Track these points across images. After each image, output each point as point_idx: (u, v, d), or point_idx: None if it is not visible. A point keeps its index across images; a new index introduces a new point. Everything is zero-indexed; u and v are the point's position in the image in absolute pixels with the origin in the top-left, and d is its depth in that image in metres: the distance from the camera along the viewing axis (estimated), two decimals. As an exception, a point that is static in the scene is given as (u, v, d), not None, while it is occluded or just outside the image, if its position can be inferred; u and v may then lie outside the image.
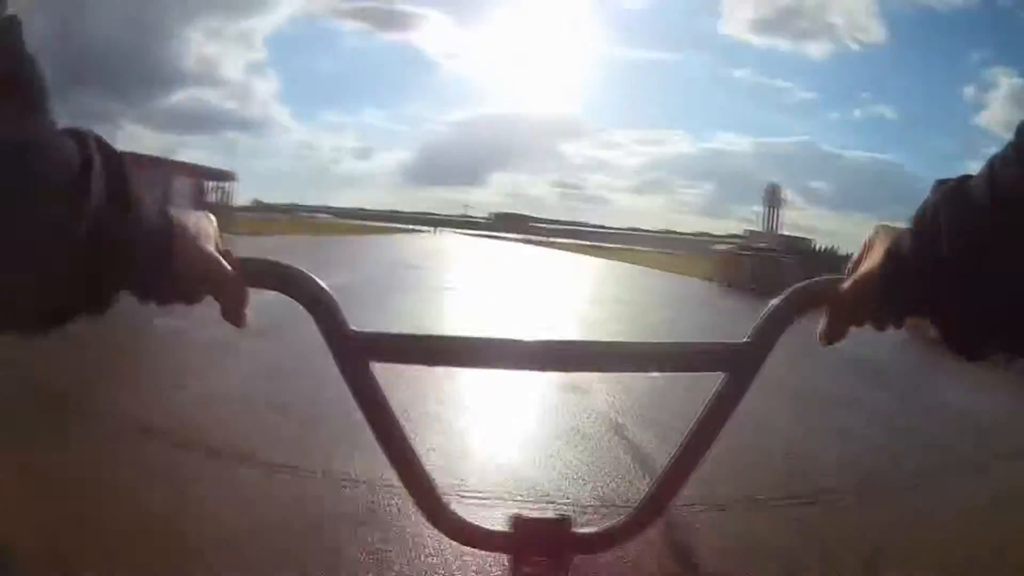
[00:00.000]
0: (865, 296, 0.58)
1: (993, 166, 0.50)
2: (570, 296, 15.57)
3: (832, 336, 0.61)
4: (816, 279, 0.62)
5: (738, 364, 0.62)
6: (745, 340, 0.62)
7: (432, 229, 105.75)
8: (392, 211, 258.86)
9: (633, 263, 37.22)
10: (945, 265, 0.50)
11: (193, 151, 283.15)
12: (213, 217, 0.61)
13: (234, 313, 0.60)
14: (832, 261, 18.83)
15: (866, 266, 0.58)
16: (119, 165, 0.50)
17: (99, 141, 0.49)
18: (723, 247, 24.28)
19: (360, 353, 0.61)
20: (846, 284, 0.59)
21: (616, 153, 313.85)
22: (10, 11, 0.44)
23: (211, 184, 36.67)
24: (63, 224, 0.45)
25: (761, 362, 0.62)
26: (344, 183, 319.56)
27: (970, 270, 0.49)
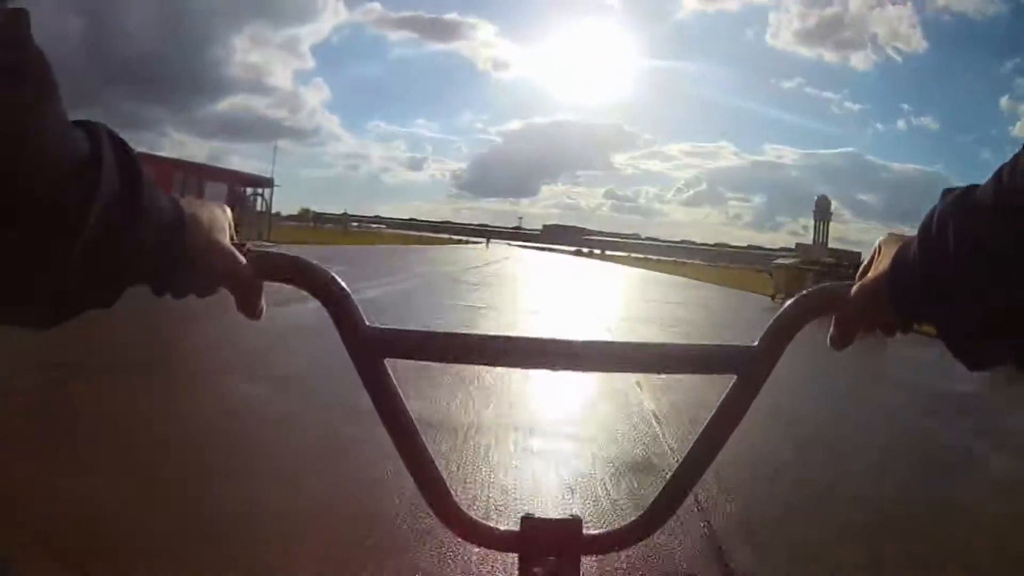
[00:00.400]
0: (873, 302, 0.58)
1: (1000, 175, 0.48)
2: (628, 318, 13.82)
3: (841, 341, 0.61)
4: (825, 285, 0.62)
5: (747, 367, 0.62)
6: (755, 344, 0.62)
7: (484, 241, 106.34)
8: (444, 221, 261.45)
9: (692, 277, 37.75)
10: (951, 273, 0.50)
11: (241, 159, 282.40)
12: (228, 210, 0.61)
13: (248, 306, 0.61)
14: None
15: (874, 273, 0.58)
16: (130, 158, 0.49)
17: (110, 134, 0.48)
18: (784, 261, 24.29)
19: (374, 349, 0.61)
20: (854, 290, 0.59)
21: (667, 165, 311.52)
22: (18, 6, 0.42)
23: (248, 190, 35.21)
24: (72, 215, 0.44)
25: (771, 366, 0.62)
26: (395, 193, 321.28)
27: (976, 278, 0.49)
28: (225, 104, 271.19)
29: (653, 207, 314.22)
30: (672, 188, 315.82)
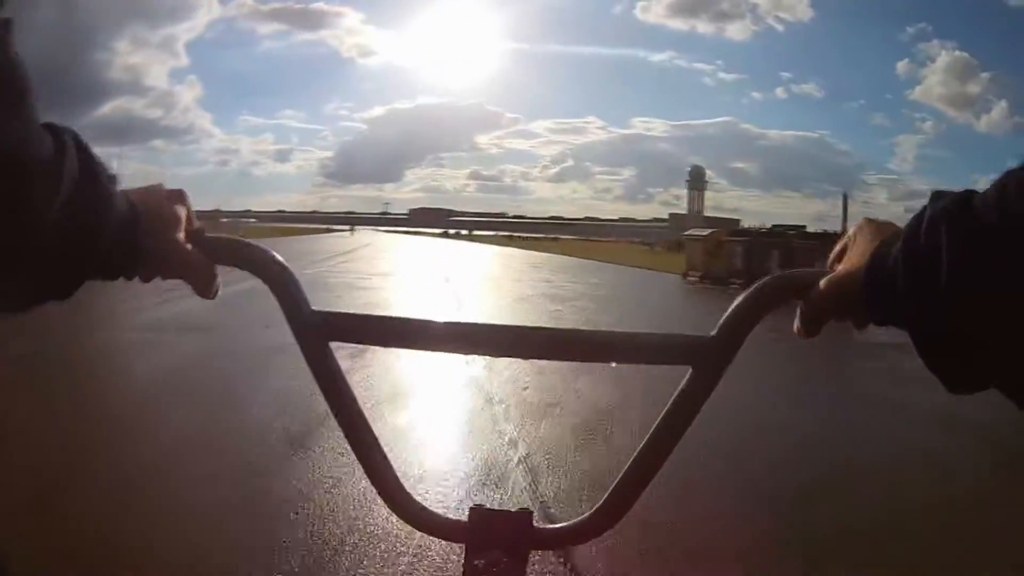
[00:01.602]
0: (843, 296, 0.55)
1: (1007, 185, 0.44)
2: (506, 307, 12.11)
3: (807, 332, 0.58)
4: (791, 271, 0.59)
5: (703, 359, 0.59)
6: (711, 334, 0.59)
7: (348, 229, 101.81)
8: (312, 211, 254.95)
9: (567, 254, 34.02)
10: (940, 284, 0.46)
11: (120, 162, 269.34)
12: (187, 195, 0.63)
13: (203, 289, 0.63)
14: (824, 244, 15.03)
15: (847, 265, 0.56)
16: (90, 159, 0.52)
17: (73, 135, 0.51)
18: (698, 232, 19.17)
19: (319, 332, 0.61)
20: (824, 281, 0.56)
21: (532, 143, 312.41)
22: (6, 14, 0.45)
23: None
24: (35, 212, 0.47)
25: (730, 358, 0.59)
26: (265, 186, 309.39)
27: (970, 295, 0.45)
28: (107, 108, 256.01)
29: (519, 185, 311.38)
30: (538, 165, 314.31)
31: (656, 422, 0.60)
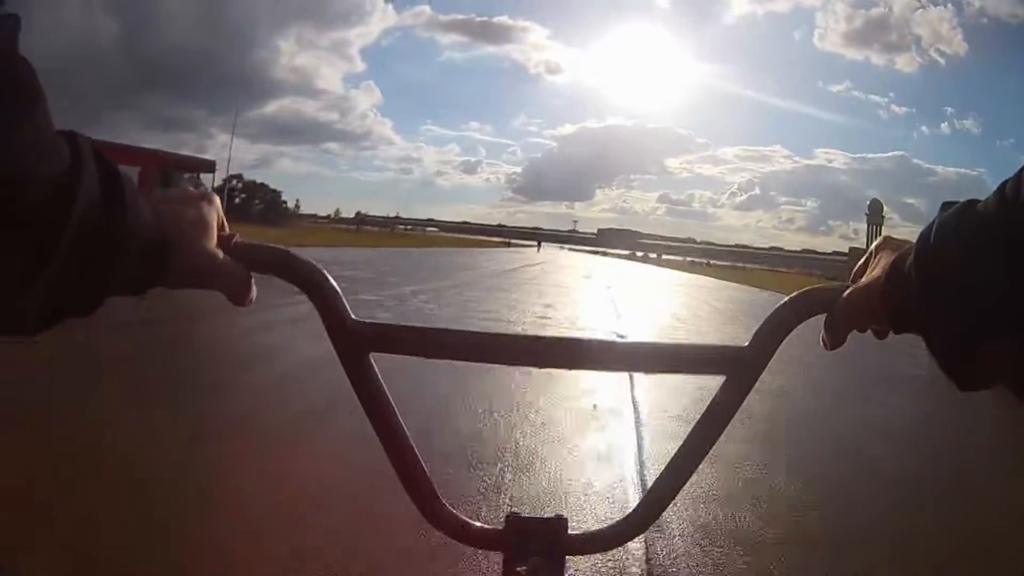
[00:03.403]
0: (865, 307, 0.57)
1: (1004, 191, 0.47)
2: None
3: (832, 343, 0.61)
4: (817, 287, 0.62)
5: (737, 368, 0.61)
6: (745, 345, 0.61)
7: (536, 244, 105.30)
8: (498, 225, 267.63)
9: (757, 286, 36.05)
10: (948, 287, 0.49)
11: (291, 161, 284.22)
12: (216, 199, 0.60)
13: (237, 298, 0.61)
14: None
15: (868, 277, 0.58)
16: (111, 170, 0.49)
17: (92, 144, 0.48)
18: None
19: (360, 343, 0.61)
20: (846, 293, 0.59)
21: (720, 169, 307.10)
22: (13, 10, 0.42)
23: (186, 175, 30.36)
24: (50, 226, 0.44)
25: (761, 368, 0.61)
26: (450, 196, 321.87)
27: (975, 295, 0.48)
28: (273, 107, 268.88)
29: (707, 211, 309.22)
30: (726, 192, 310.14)
31: (691, 428, 0.62)
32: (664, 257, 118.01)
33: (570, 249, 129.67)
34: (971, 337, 0.48)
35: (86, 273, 0.48)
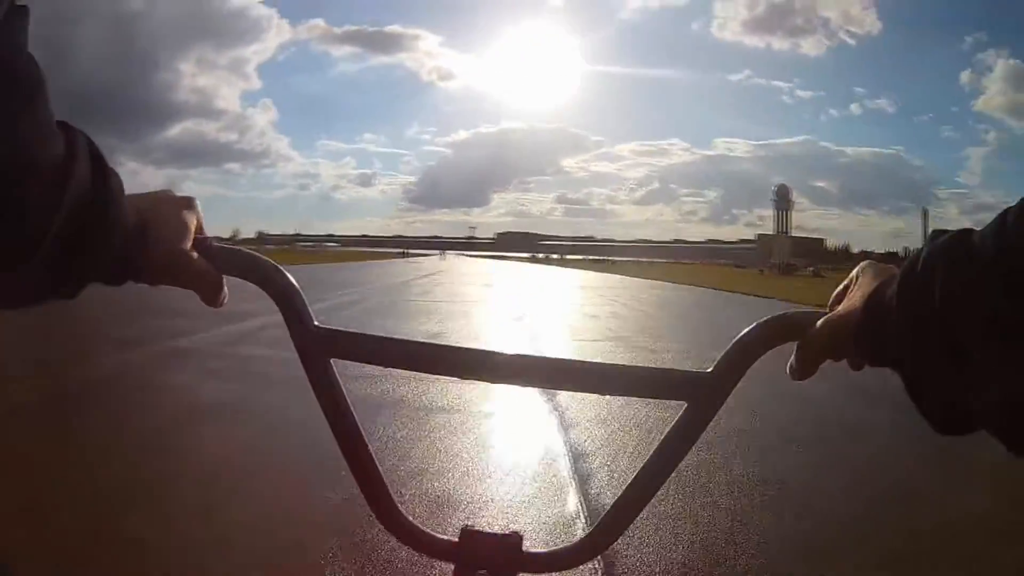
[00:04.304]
0: (840, 337, 0.54)
1: (1005, 223, 0.43)
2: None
3: (802, 372, 0.58)
4: (788, 312, 0.59)
5: (699, 394, 0.59)
6: (708, 371, 0.60)
7: (440, 253, 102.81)
8: (396, 236, 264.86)
9: (666, 280, 33.17)
10: (933, 327, 0.45)
11: (196, 184, 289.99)
12: (197, 202, 0.63)
13: (209, 298, 0.63)
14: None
15: (846, 306, 0.55)
16: (102, 163, 0.52)
17: (87, 138, 0.51)
18: None
19: (321, 348, 0.62)
20: (821, 322, 0.56)
21: (617, 165, 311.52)
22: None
23: None
24: (40, 215, 0.47)
25: (725, 394, 0.59)
26: (347, 210, 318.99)
27: (962, 335, 0.43)
28: (176, 130, 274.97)
29: (606, 208, 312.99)
30: (624, 188, 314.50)
31: (651, 453, 0.60)
32: (567, 257, 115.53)
33: (469, 256, 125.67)
34: (954, 381, 0.45)
35: (71, 258, 0.51)
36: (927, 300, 0.45)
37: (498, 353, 0.61)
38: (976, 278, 0.43)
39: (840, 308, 0.56)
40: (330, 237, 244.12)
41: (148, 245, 0.57)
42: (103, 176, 0.52)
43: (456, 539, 0.63)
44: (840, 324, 0.54)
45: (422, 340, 0.63)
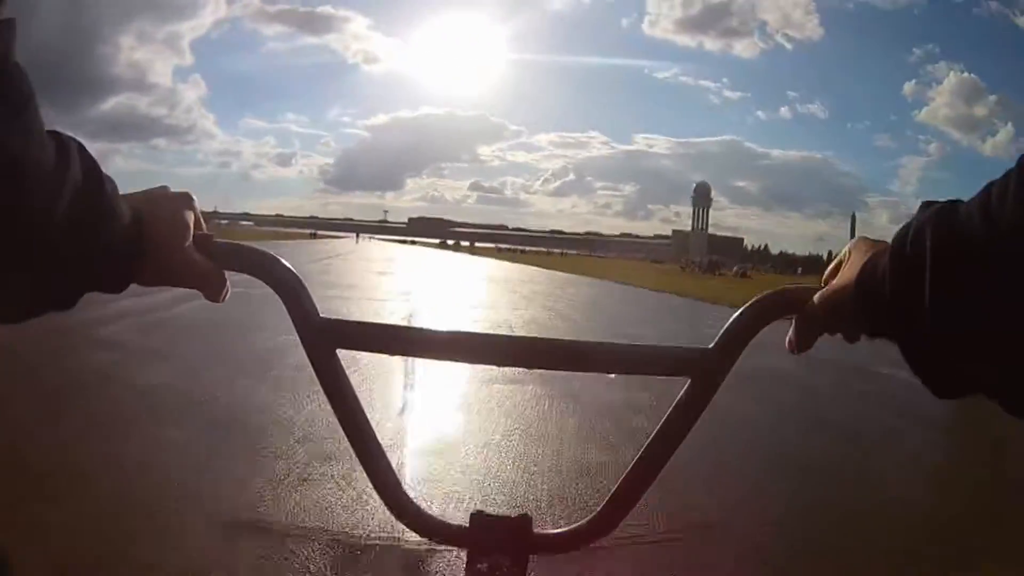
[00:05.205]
0: (836, 311, 0.56)
1: (990, 193, 0.45)
2: None
3: (800, 345, 0.60)
4: (786, 287, 0.61)
5: (701, 371, 0.61)
6: (709, 346, 0.61)
7: (356, 235, 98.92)
8: (311, 217, 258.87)
9: (582, 274, 29.84)
10: (923, 293, 0.47)
11: (123, 159, 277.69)
12: (194, 198, 0.61)
13: (212, 295, 0.62)
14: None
15: (841, 280, 0.56)
16: (95, 169, 0.51)
17: (79, 145, 0.51)
18: None
19: (326, 339, 0.62)
20: (818, 296, 0.58)
21: (534, 156, 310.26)
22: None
23: None
24: (36, 220, 0.46)
25: (726, 369, 0.61)
26: (265, 189, 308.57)
27: (951, 302, 0.46)
28: (110, 103, 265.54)
29: (520, 198, 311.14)
30: (539, 179, 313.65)
31: (655, 430, 0.61)
32: (477, 245, 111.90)
33: (379, 240, 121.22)
34: (947, 346, 0.47)
35: (67, 267, 0.50)
36: (918, 271, 0.47)
37: (505, 336, 0.62)
38: (964, 248, 0.45)
39: (835, 282, 0.57)
40: (245, 215, 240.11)
41: (147, 247, 0.56)
42: (97, 182, 0.51)
43: (466, 524, 0.63)
44: (836, 297, 0.56)
45: (428, 327, 0.64)
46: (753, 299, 0.61)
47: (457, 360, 0.63)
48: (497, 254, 72.89)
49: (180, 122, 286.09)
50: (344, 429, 0.62)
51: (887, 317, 0.51)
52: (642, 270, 40.83)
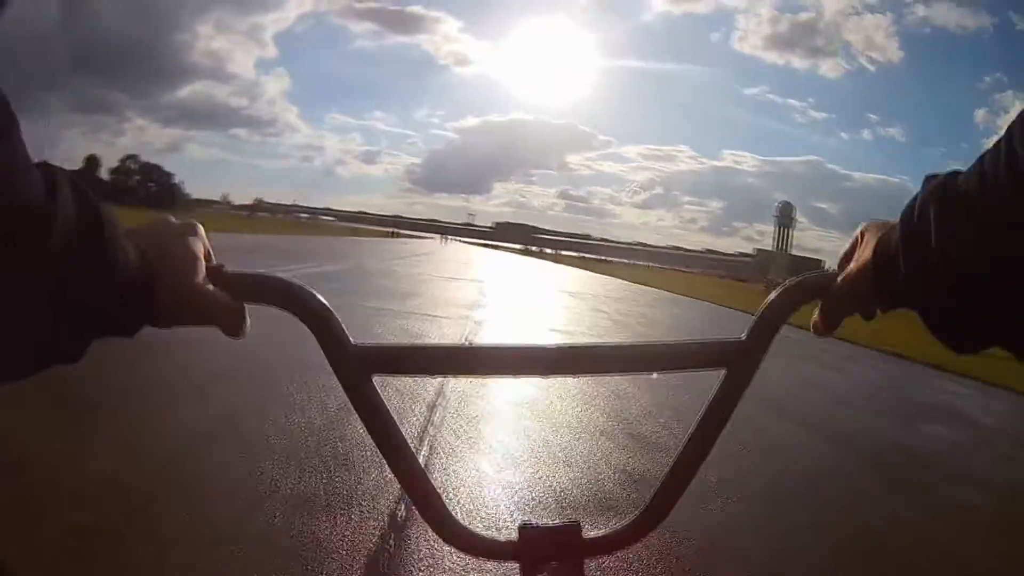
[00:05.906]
0: (858, 290, 0.58)
1: (983, 163, 0.48)
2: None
3: (826, 327, 0.62)
4: (808, 274, 0.63)
5: (736, 361, 0.62)
6: (742, 337, 0.62)
7: (442, 237, 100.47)
8: (395, 215, 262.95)
9: (671, 290, 29.71)
10: (933, 259, 0.50)
11: (199, 147, 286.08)
12: (200, 228, 0.58)
13: (232, 330, 0.59)
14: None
15: (858, 261, 0.58)
16: (90, 204, 0.46)
17: (68, 174, 0.45)
18: None
19: (362, 366, 0.60)
20: (839, 279, 0.60)
21: (623, 167, 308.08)
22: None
23: None
24: (23, 260, 0.41)
25: (759, 358, 0.62)
26: (349, 186, 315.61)
27: (958, 264, 0.49)
28: (186, 91, 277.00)
29: (606, 208, 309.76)
30: (626, 190, 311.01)
31: (694, 423, 0.62)
32: (562, 253, 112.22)
33: (463, 242, 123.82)
34: (962, 307, 0.50)
35: (66, 314, 0.46)
36: (925, 240, 0.50)
37: (543, 347, 0.61)
38: (964, 215, 0.48)
39: (852, 264, 0.59)
40: (327, 210, 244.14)
41: (156, 286, 0.52)
42: (92, 216, 0.46)
43: (515, 539, 0.63)
44: (858, 277, 0.58)
45: (463, 344, 0.65)
46: (779, 288, 0.62)
47: (499, 375, 0.62)
48: (581, 263, 73.13)
49: (261, 114, 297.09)
50: (385, 456, 0.61)
51: (905, 289, 0.53)
52: (731, 289, 40.44)
